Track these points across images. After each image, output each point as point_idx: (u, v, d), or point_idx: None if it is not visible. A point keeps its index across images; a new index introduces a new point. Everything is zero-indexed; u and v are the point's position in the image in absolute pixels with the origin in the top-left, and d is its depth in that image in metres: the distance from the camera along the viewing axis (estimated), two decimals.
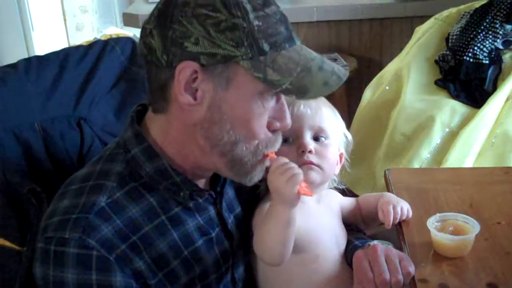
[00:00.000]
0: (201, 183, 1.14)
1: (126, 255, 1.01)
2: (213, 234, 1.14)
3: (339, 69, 1.06)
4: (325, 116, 1.26)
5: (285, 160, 1.08)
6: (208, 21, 0.97)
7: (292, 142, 1.22)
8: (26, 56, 1.38)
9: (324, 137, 1.25)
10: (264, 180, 1.12)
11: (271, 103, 1.04)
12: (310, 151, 1.22)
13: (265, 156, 1.08)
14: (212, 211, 1.14)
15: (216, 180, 1.17)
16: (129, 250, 1.01)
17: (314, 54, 1.05)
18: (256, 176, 1.10)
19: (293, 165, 1.07)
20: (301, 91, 1.01)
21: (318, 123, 1.24)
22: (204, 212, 1.13)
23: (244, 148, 1.04)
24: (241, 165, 1.06)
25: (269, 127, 1.06)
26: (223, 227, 1.16)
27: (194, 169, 1.10)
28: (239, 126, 1.02)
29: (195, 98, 1.00)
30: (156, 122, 1.08)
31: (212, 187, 1.16)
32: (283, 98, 1.06)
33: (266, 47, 0.99)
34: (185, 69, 0.98)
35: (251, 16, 0.98)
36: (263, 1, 1.01)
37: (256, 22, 0.98)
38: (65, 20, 4.71)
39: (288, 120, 1.08)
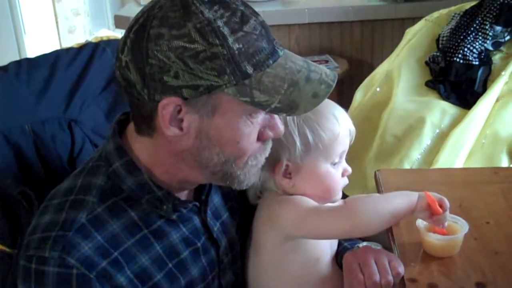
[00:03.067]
0: (184, 194, 1.12)
1: (106, 272, 0.99)
2: (199, 244, 1.13)
3: (327, 75, 1.02)
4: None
5: None
6: (185, 54, 0.92)
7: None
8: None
9: None
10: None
11: (260, 117, 1.01)
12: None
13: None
14: (197, 220, 1.13)
15: (201, 189, 1.15)
16: (110, 266, 1.00)
17: (299, 63, 1.01)
18: (250, 181, 1.08)
19: None
20: (291, 107, 0.97)
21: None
22: (188, 223, 1.11)
23: (234, 165, 1.03)
24: (233, 178, 1.05)
25: (262, 137, 1.03)
26: (209, 235, 1.15)
27: (181, 183, 1.09)
28: (229, 148, 1.01)
29: (181, 129, 0.98)
30: (141, 143, 1.05)
31: (196, 196, 1.15)
32: None
33: (249, 69, 0.95)
34: (168, 105, 0.95)
35: (230, 40, 0.93)
36: (241, 18, 0.95)
37: (236, 46, 0.93)
38: (57, 23, 4.70)
39: (281, 127, 1.05)
